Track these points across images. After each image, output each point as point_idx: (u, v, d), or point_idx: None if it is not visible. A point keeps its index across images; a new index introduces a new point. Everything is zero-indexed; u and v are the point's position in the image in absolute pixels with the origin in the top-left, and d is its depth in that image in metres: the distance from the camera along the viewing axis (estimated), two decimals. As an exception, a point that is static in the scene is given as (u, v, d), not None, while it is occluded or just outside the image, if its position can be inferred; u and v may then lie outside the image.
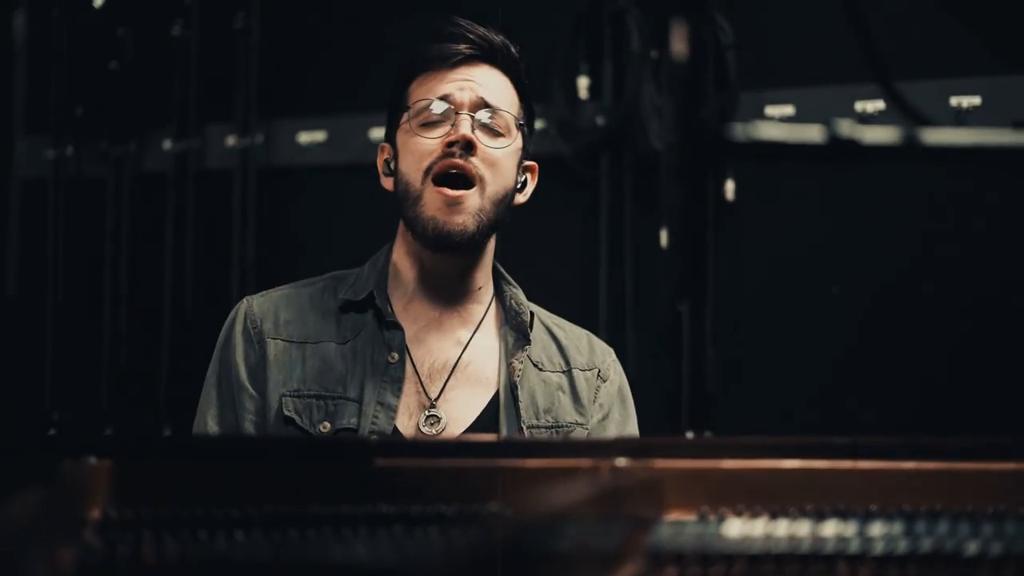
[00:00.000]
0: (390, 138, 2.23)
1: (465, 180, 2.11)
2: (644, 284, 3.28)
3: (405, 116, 2.17)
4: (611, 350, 2.34)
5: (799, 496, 1.51)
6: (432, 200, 2.11)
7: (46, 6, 3.65)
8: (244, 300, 2.24)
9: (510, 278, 2.29)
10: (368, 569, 1.12)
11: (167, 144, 3.62)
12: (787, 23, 3.21)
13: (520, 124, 2.19)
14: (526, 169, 2.25)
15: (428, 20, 3.41)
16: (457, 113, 2.13)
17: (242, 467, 1.55)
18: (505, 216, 2.18)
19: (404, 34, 3.47)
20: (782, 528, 1.33)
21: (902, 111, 1.23)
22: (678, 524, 1.37)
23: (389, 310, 2.18)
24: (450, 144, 2.10)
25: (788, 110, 3.21)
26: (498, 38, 2.21)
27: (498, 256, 2.28)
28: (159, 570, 1.20)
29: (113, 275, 3.62)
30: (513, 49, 2.22)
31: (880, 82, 1.20)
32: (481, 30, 2.20)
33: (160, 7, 3.61)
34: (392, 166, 2.20)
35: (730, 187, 3.21)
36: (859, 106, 3.11)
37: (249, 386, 2.14)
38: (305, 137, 3.55)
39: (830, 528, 1.33)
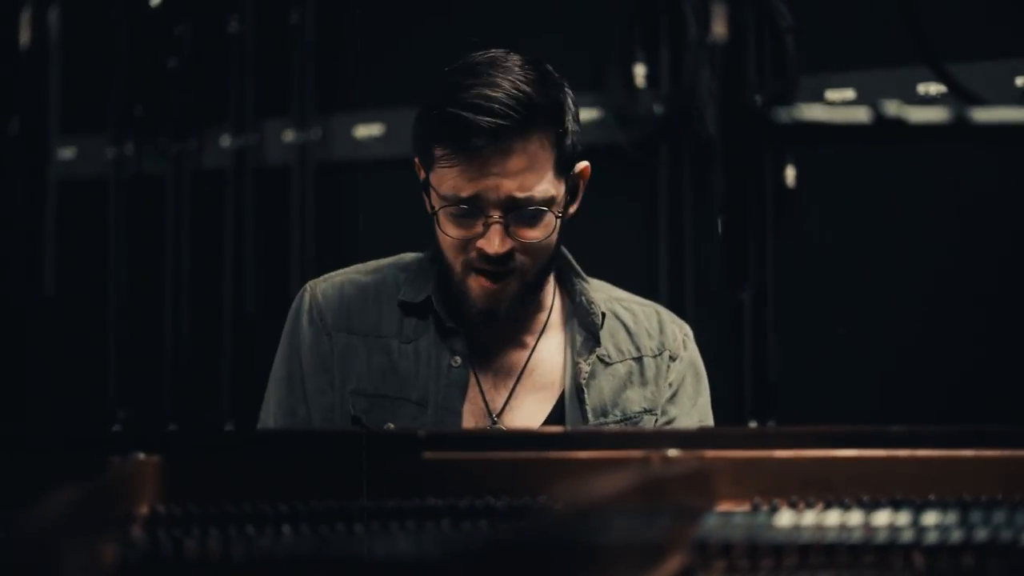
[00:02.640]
0: (421, 161, 2.07)
1: (504, 273, 2.03)
2: (704, 273, 3.24)
3: (432, 183, 2.03)
4: (684, 325, 2.24)
5: (855, 486, 1.49)
6: (474, 286, 2.04)
7: (104, 6, 3.68)
8: (307, 286, 2.17)
9: (578, 268, 2.19)
10: (406, 564, 1.11)
11: (226, 140, 3.64)
12: (846, 5, 3.16)
13: (562, 194, 2.03)
14: (574, 188, 2.10)
15: (484, 12, 3.43)
16: (487, 215, 1.98)
17: (292, 461, 1.55)
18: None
19: (461, 26, 3.48)
20: (833, 518, 1.30)
21: (953, 90, 1.20)
22: (726, 515, 1.35)
23: (448, 315, 2.10)
24: (482, 249, 2.00)
25: (848, 94, 3.16)
26: (535, 97, 1.97)
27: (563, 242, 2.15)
28: (200, 566, 1.19)
29: (174, 272, 3.64)
30: (550, 97, 2.00)
31: (928, 62, 1.17)
32: (514, 92, 1.96)
33: (216, 4, 3.62)
34: (429, 203, 2.06)
35: (791, 174, 3.17)
36: (921, 88, 3.05)
37: (321, 378, 2.10)
38: (362, 131, 3.55)
39: (883, 517, 1.31)
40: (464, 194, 1.98)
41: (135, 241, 3.68)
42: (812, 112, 1.19)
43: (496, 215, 1.98)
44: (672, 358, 2.17)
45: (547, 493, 1.45)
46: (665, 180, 3.27)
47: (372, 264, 2.20)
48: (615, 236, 3.30)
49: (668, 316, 2.23)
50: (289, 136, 3.59)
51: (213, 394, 3.56)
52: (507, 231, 1.99)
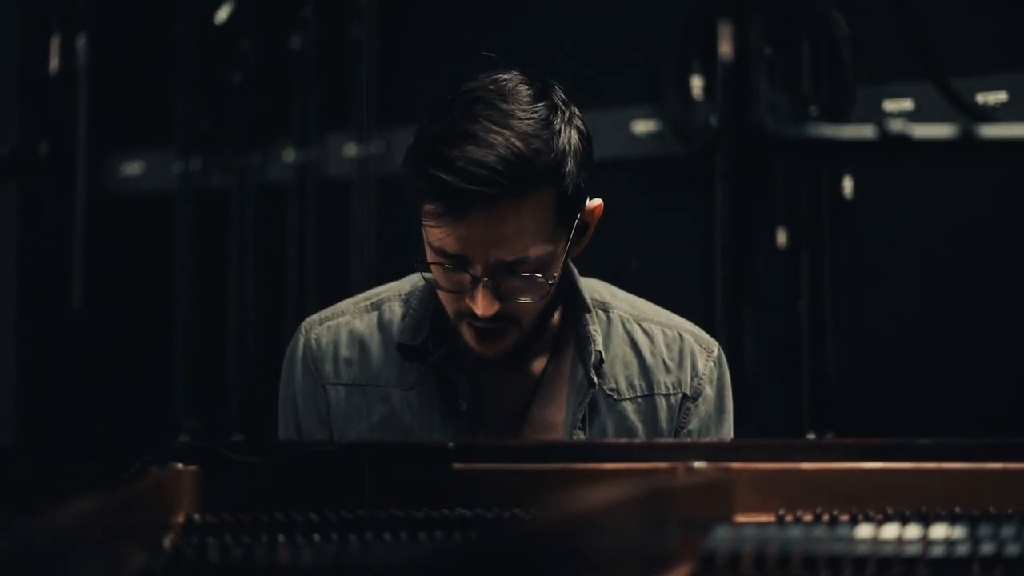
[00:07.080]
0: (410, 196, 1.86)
1: (496, 330, 1.85)
2: (761, 284, 3.24)
3: (423, 222, 1.82)
4: (712, 347, 2.01)
5: (882, 498, 1.50)
6: (467, 333, 1.87)
7: (169, 24, 3.76)
8: (303, 328, 2.02)
9: (584, 294, 1.98)
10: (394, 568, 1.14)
11: (289, 155, 3.70)
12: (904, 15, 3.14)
13: (562, 246, 1.84)
14: (583, 229, 1.90)
15: (541, 24, 3.45)
16: (474, 275, 1.80)
17: (325, 471, 1.59)
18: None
19: (519, 38, 3.50)
20: (844, 531, 1.31)
21: (957, 106, 1.21)
22: (738, 527, 1.36)
23: (447, 359, 1.94)
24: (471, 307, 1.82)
25: (907, 104, 3.14)
26: (534, 157, 1.76)
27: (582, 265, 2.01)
28: (222, 573, 1.23)
29: (239, 285, 3.71)
30: (553, 151, 1.77)
31: (932, 77, 1.18)
32: (508, 154, 1.74)
33: (279, 21, 3.68)
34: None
35: (848, 185, 3.16)
36: (980, 97, 3.03)
37: (317, 431, 1.99)
38: (423, 144, 3.58)
39: (893, 531, 1.31)
40: (451, 250, 1.80)
41: (201, 253, 3.76)
42: (818, 129, 1.21)
43: (484, 277, 1.80)
44: (692, 398, 1.98)
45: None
46: (722, 192, 3.27)
47: (372, 296, 2.04)
48: (671, 247, 3.31)
49: (692, 342, 2.01)
50: (351, 150, 3.64)
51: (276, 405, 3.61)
52: (496, 292, 1.81)
